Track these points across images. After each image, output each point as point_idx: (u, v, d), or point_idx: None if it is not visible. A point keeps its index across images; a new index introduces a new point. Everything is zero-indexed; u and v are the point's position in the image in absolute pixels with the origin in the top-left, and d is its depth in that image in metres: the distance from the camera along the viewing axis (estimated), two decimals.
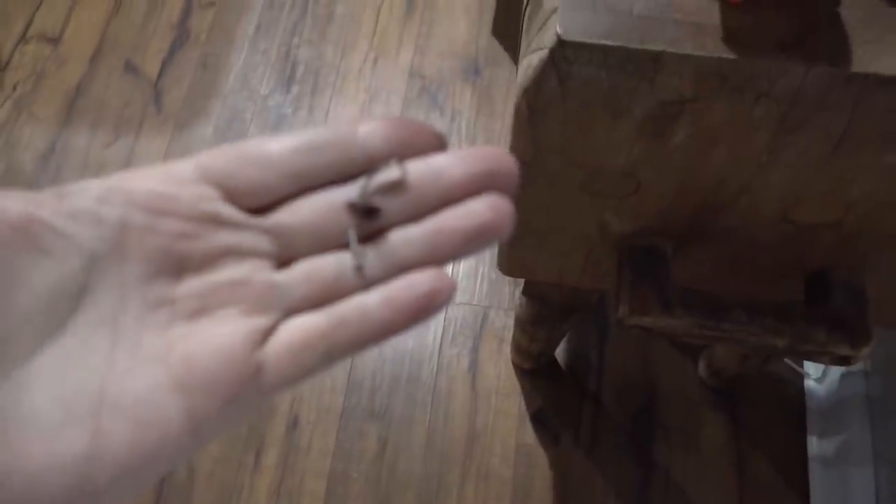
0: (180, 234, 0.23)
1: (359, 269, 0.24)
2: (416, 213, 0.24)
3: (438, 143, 0.25)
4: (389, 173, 0.24)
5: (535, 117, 0.49)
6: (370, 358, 1.13)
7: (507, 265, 0.69)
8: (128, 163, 1.28)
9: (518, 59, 0.55)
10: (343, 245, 0.24)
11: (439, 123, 1.33)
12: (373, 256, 0.24)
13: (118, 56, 1.39)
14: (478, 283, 1.19)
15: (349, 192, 0.24)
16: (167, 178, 0.23)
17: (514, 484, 1.06)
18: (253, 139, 0.24)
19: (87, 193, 0.22)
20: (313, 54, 1.40)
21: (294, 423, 1.09)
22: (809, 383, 1.11)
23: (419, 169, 0.24)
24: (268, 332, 0.23)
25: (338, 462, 1.06)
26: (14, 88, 1.36)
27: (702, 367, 1.10)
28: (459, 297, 1.17)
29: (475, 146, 0.25)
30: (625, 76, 0.46)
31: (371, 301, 0.23)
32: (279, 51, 1.40)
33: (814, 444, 1.07)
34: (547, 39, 0.46)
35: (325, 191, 0.24)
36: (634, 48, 0.44)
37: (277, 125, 1.33)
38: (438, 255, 0.24)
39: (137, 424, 0.20)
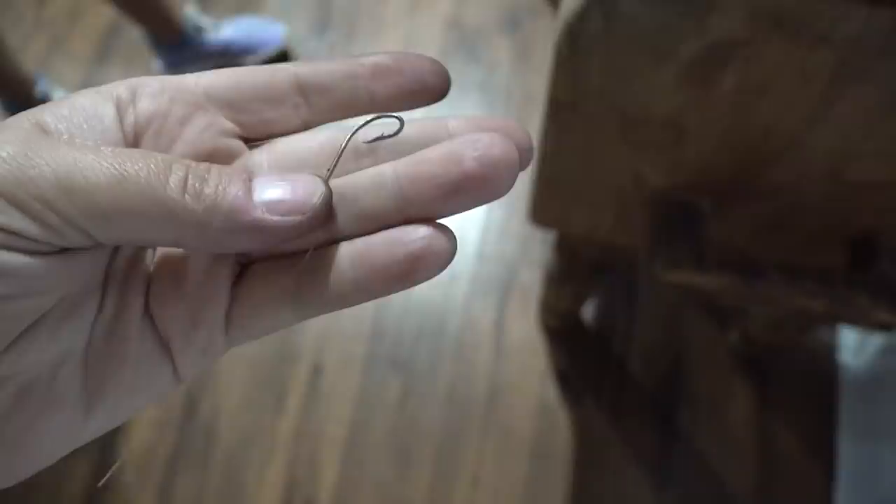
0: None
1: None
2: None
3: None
4: (390, 124, 0.22)
5: (576, 56, 0.47)
6: (395, 307, 1.13)
7: (539, 215, 0.67)
8: None
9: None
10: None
11: (476, 75, 1.30)
12: (337, 200, 0.21)
13: None
14: (508, 237, 1.17)
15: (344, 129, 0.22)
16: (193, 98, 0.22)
17: (534, 442, 1.06)
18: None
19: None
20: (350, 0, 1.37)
21: (317, 370, 1.09)
22: (845, 357, 1.08)
23: (423, 128, 0.22)
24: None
25: (359, 410, 1.07)
26: (51, 25, 1.35)
27: (733, 335, 1.08)
28: (489, 250, 1.16)
29: (490, 116, 0.22)
30: (674, 15, 0.43)
31: (344, 256, 0.20)
32: None
33: (845, 419, 1.04)
34: None
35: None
36: None
37: None
38: (412, 211, 0.20)
39: None
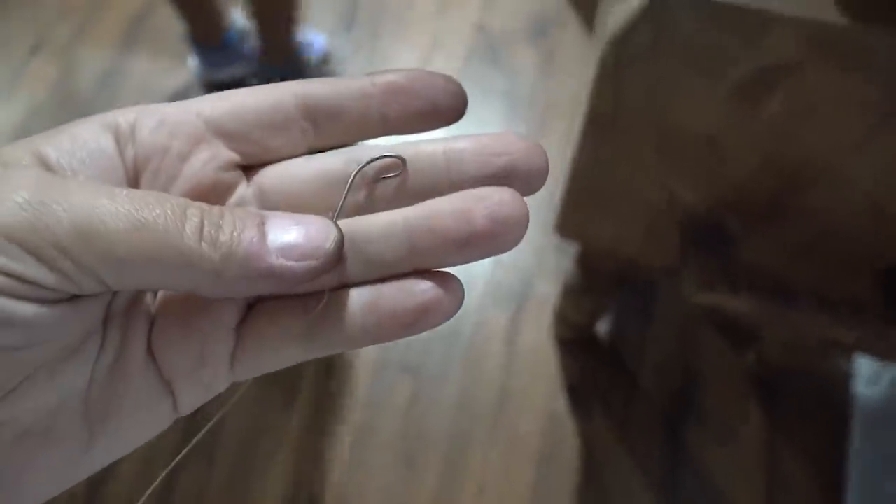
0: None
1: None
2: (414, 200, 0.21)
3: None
4: (390, 159, 0.21)
5: (620, 70, 0.47)
6: None
7: (565, 227, 0.67)
8: (185, 92, 1.28)
9: (590, 19, 0.52)
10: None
11: (500, 81, 1.30)
12: (346, 245, 0.20)
13: None
14: (525, 247, 1.16)
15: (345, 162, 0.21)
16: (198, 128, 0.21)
17: (541, 451, 1.05)
18: None
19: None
20: None
21: (327, 369, 1.09)
22: (859, 386, 1.07)
23: (429, 154, 0.21)
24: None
25: (367, 412, 1.06)
26: (76, 11, 1.35)
27: (749, 356, 1.07)
28: (505, 259, 1.15)
29: (503, 132, 0.21)
30: (728, 36, 0.42)
31: (355, 302, 0.20)
32: None
33: (857, 448, 1.04)
34: None
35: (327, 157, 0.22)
36: (747, 7, 0.40)
37: (336, 67, 1.31)
38: (420, 261, 0.20)
39: None
